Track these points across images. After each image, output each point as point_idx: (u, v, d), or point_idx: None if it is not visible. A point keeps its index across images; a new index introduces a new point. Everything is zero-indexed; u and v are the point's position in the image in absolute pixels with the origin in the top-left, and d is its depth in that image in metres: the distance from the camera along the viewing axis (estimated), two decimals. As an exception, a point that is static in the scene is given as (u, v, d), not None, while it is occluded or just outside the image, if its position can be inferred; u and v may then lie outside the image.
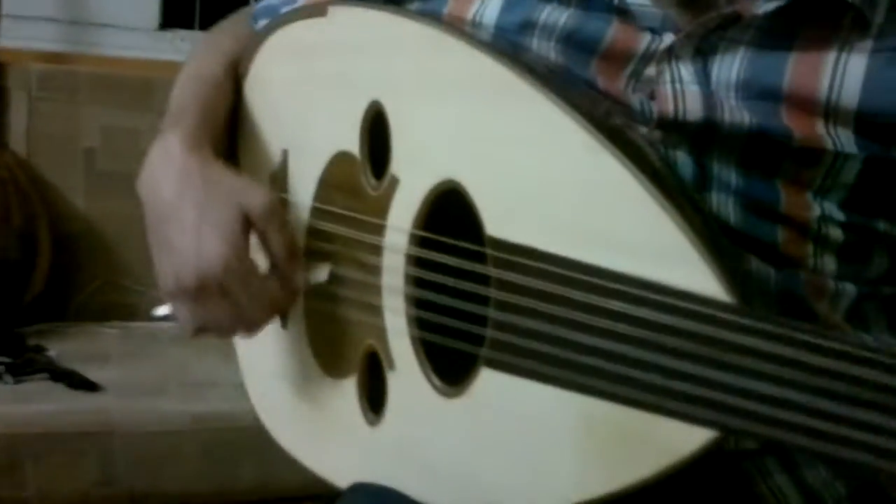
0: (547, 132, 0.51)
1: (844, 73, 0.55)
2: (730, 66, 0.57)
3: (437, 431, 0.60)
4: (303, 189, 0.70)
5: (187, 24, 1.89)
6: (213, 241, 0.62)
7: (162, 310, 0.69)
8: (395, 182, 0.62)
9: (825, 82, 0.55)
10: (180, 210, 0.64)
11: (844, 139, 0.56)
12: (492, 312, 0.55)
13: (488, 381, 0.56)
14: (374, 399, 0.67)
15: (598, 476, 0.51)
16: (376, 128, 0.63)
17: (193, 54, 0.79)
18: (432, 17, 0.61)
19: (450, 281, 0.58)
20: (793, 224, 0.58)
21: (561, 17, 0.60)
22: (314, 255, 0.69)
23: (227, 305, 0.62)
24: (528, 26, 0.61)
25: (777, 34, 0.56)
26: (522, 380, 0.54)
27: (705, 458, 0.47)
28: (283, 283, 0.65)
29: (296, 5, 0.75)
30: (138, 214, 0.67)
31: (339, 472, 0.69)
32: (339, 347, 0.69)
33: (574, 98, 0.51)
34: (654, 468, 0.48)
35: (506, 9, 0.62)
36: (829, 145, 0.56)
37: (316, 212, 0.69)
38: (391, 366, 0.64)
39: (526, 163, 0.52)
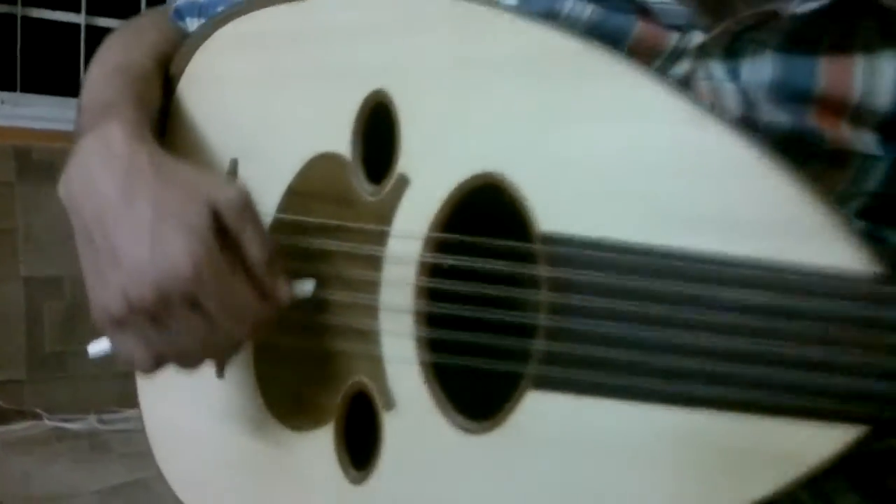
0: (635, 106, 0.44)
1: (874, 77, 0.54)
2: (760, 67, 0.55)
3: (463, 479, 0.49)
4: (261, 202, 0.59)
5: (9, 86, 1.70)
6: (176, 241, 0.49)
7: (99, 345, 0.53)
8: (403, 182, 0.52)
9: (857, 85, 0.54)
10: (130, 209, 0.50)
11: (873, 143, 0.55)
12: (543, 320, 0.47)
13: (536, 407, 0.47)
14: (358, 451, 0.55)
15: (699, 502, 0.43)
16: (377, 122, 0.55)
17: (110, 45, 0.66)
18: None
19: (481, 289, 0.49)
20: None
21: (585, 10, 0.56)
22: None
23: (198, 323, 0.49)
24: (550, 16, 0.56)
25: (805, 37, 0.54)
26: (588, 399, 0.46)
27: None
28: (262, 295, 0.52)
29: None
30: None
31: (305, 549, 0.56)
32: (307, 392, 0.57)
33: (654, 69, 0.46)
34: (774, 483, 0.41)
35: None
36: (858, 148, 0.54)
37: (281, 225, 0.58)
38: (389, 405, 0.52)
39: (605, 145, 0.45)
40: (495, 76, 0.50)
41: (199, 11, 0.68)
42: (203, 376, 0.62)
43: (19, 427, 1.26)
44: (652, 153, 0.44)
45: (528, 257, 0.48)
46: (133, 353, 0.50)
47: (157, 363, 0.50)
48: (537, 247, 0.47)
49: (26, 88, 1.63)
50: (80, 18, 1.59)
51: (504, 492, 0.48)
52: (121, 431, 1.18)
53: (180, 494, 0.62)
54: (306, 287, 0.54)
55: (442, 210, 0.51)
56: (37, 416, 1.27)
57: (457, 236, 0.50)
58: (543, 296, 0.47)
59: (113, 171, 0.51)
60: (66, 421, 1.25)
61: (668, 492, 0.44)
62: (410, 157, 0.53)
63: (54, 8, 1.62)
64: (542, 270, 0.47)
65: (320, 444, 0.56)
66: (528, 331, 0.48)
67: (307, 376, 0.57)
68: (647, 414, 0.44)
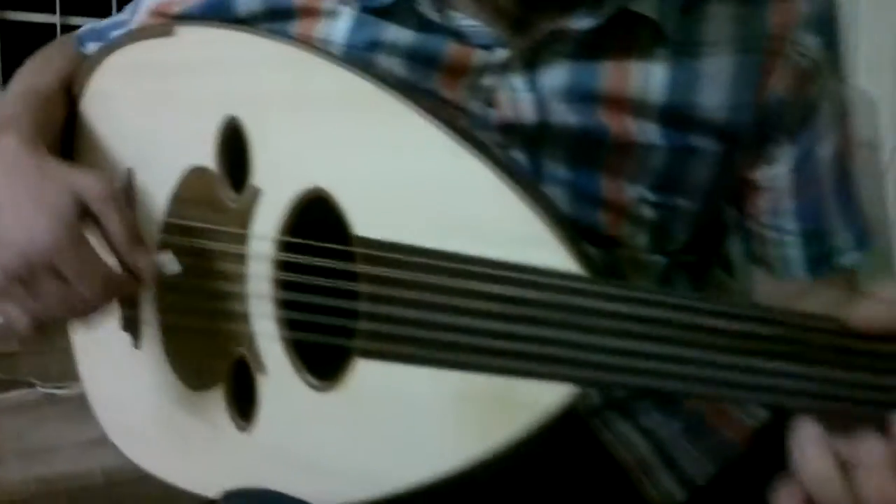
0: (411, 139, 0.56)
1: (649, 76, 0.64)
2: (554, 76, 0.65)
3: (314, 427, 0.63)
4: (153, 206, 0.71)
5: (-8, 87, 1.76)
6: (42, 222, 0.61)
7: None
8: (256, 193, 0.64)
9: (634, 85, 0.64)
10: (11, 200, 0.63)
11: (652, 132, 0.65)
12: (363, 306, 0.60)
13: (363, 372, 0.60)
14: (243, 406, 0.68)
15: (475, 440, 0.56)
16: (233, 142, 0.66)
17: (21, 74, 0.77)
18: (287, 36, 0.65)
19: (319, 281, 0.62)
20: (612, 208, 0.67)
21: (405, 37, 0.66)
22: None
23: (60, 287, 0.61)
24: (375, 45, 0.66)
25: (593, 46, 0.65)
26: (397, 366, 0.59)
27: (566, 416, 0.54)
28: (125, 266, 0.64)
29: (128, 27, 0.76)
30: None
31: (210, 481, 0.70)
32: (202, 360, 0.70)
33: (428, 107, 0.57)
34: (524, 426, 0.55)
35: (355, 29, 0.66)
36: (639, 138, 0.65)
37: (170, 227, 0.70)
38: (262, 370, 0.66)
39: (392, 167, 0.57)
40: (319, 109, 0.61)
41: (98, 37, 0.79)
42: (123, 349, 0.76)
43: (14, 395, 1.40)
44: (424, 175, 0.56)
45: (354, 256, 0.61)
46: (12, 317, 0.63)
47: (33, 325, 0.62)
48: (355, 248, 0.59)
49: (8, 88, 1.70)
50: (55, 19, 1.68)
51: (341, 437, 0.62)
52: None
53: (114, 439, 0.77)
54: (171, 264, 0.66)
55: (286, 217, 0.63)
56: (31, 385, 1.42)
57: (292, 239, 0.62)
58: (363, 287, 0.59)
59: (3, 170, 0.64)
60: (57, 388, 1.40)
61: (455, 434, 0.57)
62: (261, 172, 0.64)
63: (30, 10, 1.69)
64: (360, 267, 0.59)
65: (215, 400, 0.69)
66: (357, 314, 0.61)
67: (202, 348, 0.70)
68: (437, 377, 0.57)
